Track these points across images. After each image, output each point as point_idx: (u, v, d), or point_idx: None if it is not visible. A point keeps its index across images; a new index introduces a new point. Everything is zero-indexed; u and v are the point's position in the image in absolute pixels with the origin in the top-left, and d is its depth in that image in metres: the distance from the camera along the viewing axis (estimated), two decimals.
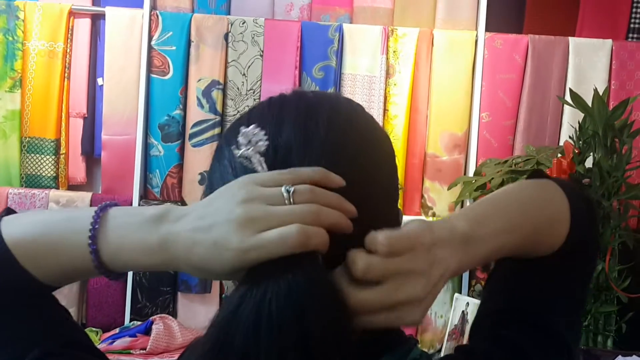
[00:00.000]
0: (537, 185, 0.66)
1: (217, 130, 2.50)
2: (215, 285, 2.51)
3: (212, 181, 0.60)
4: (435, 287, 0.53)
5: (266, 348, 0.46)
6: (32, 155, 2.54)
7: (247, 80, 2.51)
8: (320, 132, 0.57)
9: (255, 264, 0.49)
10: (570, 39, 2.51)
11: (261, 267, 0.49)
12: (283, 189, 0.50)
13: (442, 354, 2.33)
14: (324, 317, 0.48)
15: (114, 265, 0.55)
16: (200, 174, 2.50)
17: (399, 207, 0.64)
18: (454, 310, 2.32)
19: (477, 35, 2.51)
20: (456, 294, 2.38)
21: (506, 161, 2.29)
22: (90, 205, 2.45)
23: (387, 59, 2.50)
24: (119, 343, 2.25)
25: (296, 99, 0.62)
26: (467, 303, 2.27)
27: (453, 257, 0.54)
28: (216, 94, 2.50)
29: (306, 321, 0.47)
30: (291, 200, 0.50)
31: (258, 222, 0.49)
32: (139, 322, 2.40)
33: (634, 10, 2.57)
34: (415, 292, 0.51)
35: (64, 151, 2.55)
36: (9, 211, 0.59)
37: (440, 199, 2.52)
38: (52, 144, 2.53)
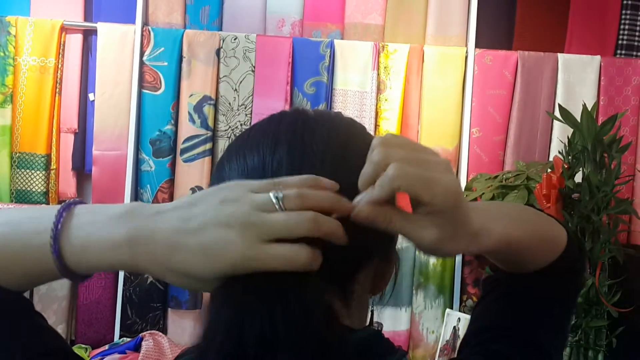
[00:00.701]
0: (535, 210, 0.70)
1: (208, 146, 2.50)
2: (206, 301, 2.49)
3: None
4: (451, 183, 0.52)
5: None
6: (23, 170, 2.53)
7: (238, 95, 2.52)
8: (314, 150, 0.57)
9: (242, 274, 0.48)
10: (559, 55, 2.54)
11: (250, 279, 0.48)
12: (272, 195, 0.49)
13: None
14: (328, 332, 0.49)
15: (79, 267, 0.52)
16: (192, 189, 2.50)
17: None
18: (446, 325, 2.32)
19: (467, 52, 2.53)
20: (447, 310, 2.38)
21: (496, 176, 2.29)
22: None
23: (378, 74, 2.51)
24: None
25: (294, 118, 0.61)
26: (459, 319, 2.27)
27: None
28: (208, 110, 2.50)
29: (314, 336, 0.48)
30: (281, 206, 0.49)
31: (255, 230, 0.48)
32: (129, 339, 2.38)
33: (622, 26, 2.60)
34: (436, 156, 0.51)
35: (54, 166, 2.55)
36: None
37: None
38: (42, 159, 2.53)
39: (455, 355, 0.68)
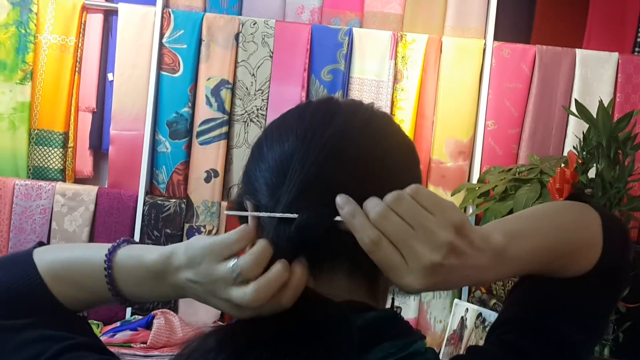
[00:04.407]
0: (574, 208, 0.66)
1: (224, 129, 2.52)
2: None
3: (250, 179, 0.63)
4: (446, 280, 0.53)
5: None
6: (40, 147, 2.57)
7: (256, 80, 2.54)
8: (330, 139, 0.59)
9: None
10: (577, 50, 2.54)
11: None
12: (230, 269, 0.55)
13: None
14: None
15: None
16: (207, 171, 2.52)
17: None
18: (453, 315, 2.34)
19: (485, 44, 2.54)
20: (456, 300, 2.40)
21: (510, 169, 2.30)
22: (96, 199, 2.48)
23: (395, 64, 2.52)
24: (120, 336, 2.26)
25: (305, 107, 0.64)
26: (467, 309, 2.28)
27: (478, 265, 0.54)
28: (225, 93, 2.52)
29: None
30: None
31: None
32: (140, 316, 2.41)
33: None
34: (425, 252, 0.52)
35: (72, 144, 2.58)
36: (40, 243, 0.70)
37: None
38: (60, 137, 2.56)
39: (483, 342, 0.68)
